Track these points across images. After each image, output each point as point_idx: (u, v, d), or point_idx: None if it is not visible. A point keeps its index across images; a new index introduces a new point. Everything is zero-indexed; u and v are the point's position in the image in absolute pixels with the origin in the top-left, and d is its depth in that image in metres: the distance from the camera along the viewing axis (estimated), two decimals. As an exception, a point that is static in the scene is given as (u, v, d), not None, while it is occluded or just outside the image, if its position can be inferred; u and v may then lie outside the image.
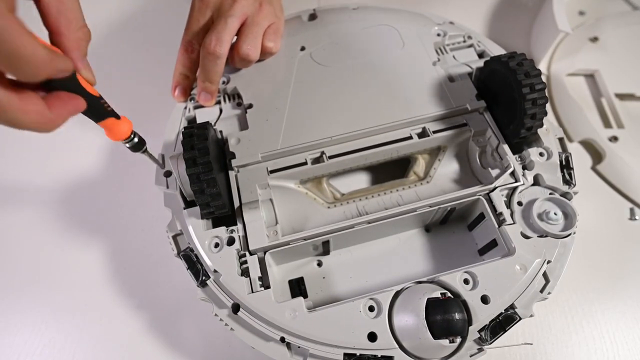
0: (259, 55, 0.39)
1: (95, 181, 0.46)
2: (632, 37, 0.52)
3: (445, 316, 0.27)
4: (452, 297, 0.29)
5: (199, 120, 0.38)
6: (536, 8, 0.58)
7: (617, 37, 0.52)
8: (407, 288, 0.30)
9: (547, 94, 0.32)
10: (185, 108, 0.39)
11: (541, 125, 0.34)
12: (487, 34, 0.56)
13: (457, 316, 0.27)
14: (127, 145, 0.29)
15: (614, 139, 0.45)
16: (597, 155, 0.45)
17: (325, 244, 0.34)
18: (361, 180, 0.40)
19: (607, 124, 0.47)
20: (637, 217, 0.42)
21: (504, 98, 0.34)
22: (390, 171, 0.39)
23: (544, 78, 0.52)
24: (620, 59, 0.50)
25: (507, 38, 0.56)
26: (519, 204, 0.33)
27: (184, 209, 0.33)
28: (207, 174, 0.29)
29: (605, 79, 0.48)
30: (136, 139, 0.29)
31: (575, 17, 0.55)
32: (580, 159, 0.46)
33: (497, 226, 0.32)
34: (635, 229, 0.41)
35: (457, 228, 0.37)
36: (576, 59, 0.50)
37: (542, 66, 0.52)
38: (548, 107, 0.49)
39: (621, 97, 0.48)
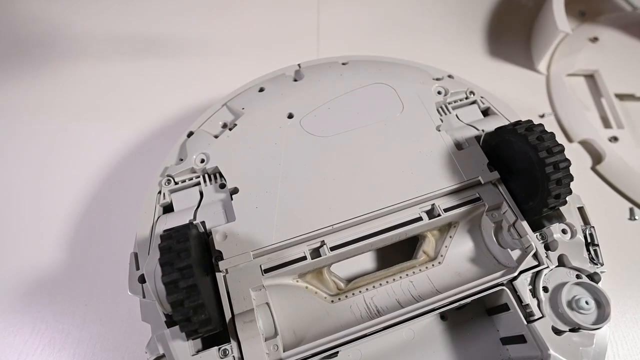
0: None
1: (93, 181, 0.46)
2: (632, 37, 0.52)
3: None
4: None
5: (175, 206, 0.33)
6: (536, 8, 0.58)
7: (617, 37, 0.52)
8: None
9: (567, 158, 0.29)
10: (160, 193, 0.34)
11: (565, 204, 0.30)
12: (487, 35, 0.56)
13: None
14: None
15: (613, 139, 0.45)
16: (597, 156, 0.45)
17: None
18: (365, 261, 0.36)
19: (607, 124, 0.47)
20: (636, 217, 0.42)
21: (521, 171, 0.31)
22: (396, 249, 0.35)
23: (543, 78, 0.52)
24: (620, 59, 0.50)
25: (507, 38, 0.56)
26: (545, 289, 0.29)
27: (167, 327, 0.28)
28: (187, 280, 0.24)
29: (605, 79, 0.49)
30: None
31: (575, 17, 0.55)
32: (580, 159, 0.46)
33: (525, 322, 0.28)
34: (635, 229, 0.41)
35: (474, 312, 0.34)
36: (576, 59, 0.50)
37: (542, 66, 0.52)
38: (547, 107, 0.50)
39: (621, 97, 0.48)
